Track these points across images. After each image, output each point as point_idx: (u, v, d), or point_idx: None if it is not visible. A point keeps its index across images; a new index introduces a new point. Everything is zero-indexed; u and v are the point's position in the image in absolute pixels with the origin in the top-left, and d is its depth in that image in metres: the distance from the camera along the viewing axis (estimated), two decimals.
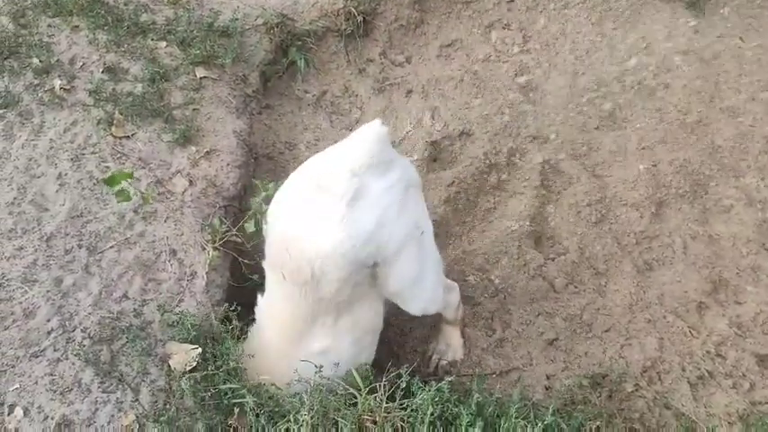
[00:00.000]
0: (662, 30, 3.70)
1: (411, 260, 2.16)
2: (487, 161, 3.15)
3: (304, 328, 2.12)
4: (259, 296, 2.25)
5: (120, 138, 2.78)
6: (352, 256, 1.99)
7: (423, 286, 2.27)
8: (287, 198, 2.12)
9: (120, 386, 2.14)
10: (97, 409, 2.10)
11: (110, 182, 2.22)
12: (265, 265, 2.19)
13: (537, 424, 2.10)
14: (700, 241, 3.04)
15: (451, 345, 2.67)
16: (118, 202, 2.24)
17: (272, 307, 2.19)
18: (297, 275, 2.01)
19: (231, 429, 2.10)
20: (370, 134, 2.03)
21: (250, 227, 2.48)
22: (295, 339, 2.14)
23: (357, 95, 3.46)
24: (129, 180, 2.23)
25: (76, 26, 3.11)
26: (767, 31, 3.79)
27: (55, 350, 2.20)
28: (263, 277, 2.26)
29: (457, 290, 2.59)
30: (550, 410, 2.22)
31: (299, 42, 3.44)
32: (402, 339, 2.78)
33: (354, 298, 2.12)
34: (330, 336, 2.15)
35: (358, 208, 1.98)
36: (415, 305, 2.31)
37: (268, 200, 2.27)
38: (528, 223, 3.00)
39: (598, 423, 2.29)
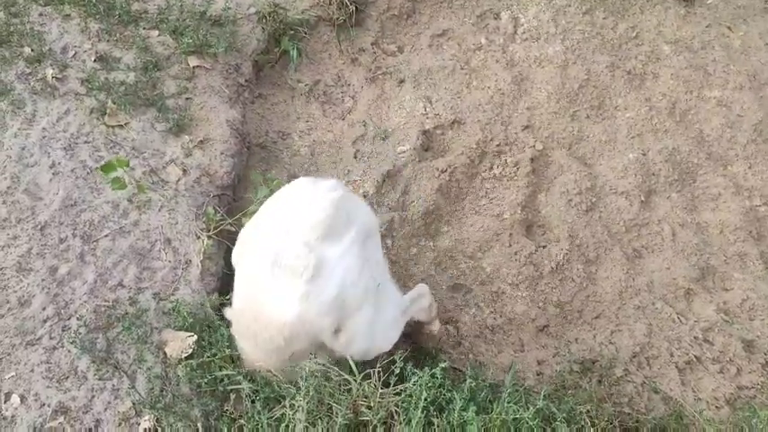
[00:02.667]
0: (651, 19, 3.73)
1: (367, 315, 2.12)
2: (479, 150, 3.17)
3: None
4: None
5: (114, 127, 2.78)
6: (317, 327, 1.98)
7: (375, 337, 2.21)
8: (247, 268, 2.08)
9: (117, 373, 2.16)
10: (94, 397, 2.11)
11: (106, 169, 2.22)
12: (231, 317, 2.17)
13: (529, 408, 2.13)
14: (688, 229, 3.08)
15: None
16: (113, 189, 2.24)
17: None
18: (268, 343, 2.01)
19: (227, 415, 2.12)
20: (324, 203, 2.01)
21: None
22: None
23: (350, 85, 3.47)
24: (125, 168, 2.23)
25: (68, 15, 3.10)
26: (755, 21, 3.83)
27: (51, 338, 2.21)
28: None
29: (427, 293, 2.53)
30: (542, 395, 2.25)
31: (292, 32, 3.44)
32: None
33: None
34: None
35: (317, 283, 1.95)
36: (365, 353, 2.22)
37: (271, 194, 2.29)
38: (519, 211, 3.02)
39: (588, 407, 2.32)
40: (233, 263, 2.19)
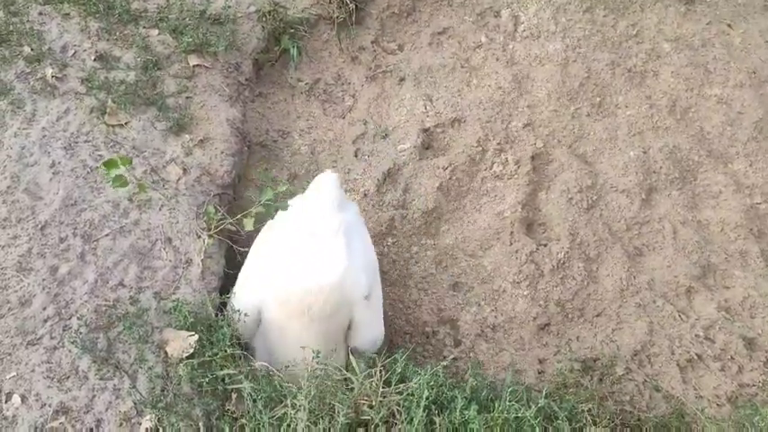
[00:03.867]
0: (652, 17, 3.72)
1: (379, 293, 2.39)
2: (480, 148, 3.17)
3: None
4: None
5: (114, 126, 2.78)
6: (357, 285, 2.22)
7: (381, 323, 2.41)
8: (283, 254, 2.26)
9: (118, 373, 2.15)
10: (95, 396, 2.11)
11: (108, 165, 2.21)
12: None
13: (530, 407, 2.13)
14: (689, 227, 3.08)
15: None
16: (114, 187, 2.24)
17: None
18: (323, 310, 2.18)
19: (229, 414, 2.12)
20: (330, 180, 2.32)
21: (249, 224, 2.44)
22: None
23: (350, 83, 3.46)
24: (128, 166, 2.23)
25: (67, 14, 3.09)
26: (755, 19, 3.83)
27: (51, 338, 2.21)
28: None
29: None
30: (543, 394, 2.25)
31: (292, 30, 3.43)
32: (406, 322, 2.80)
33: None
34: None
35: (350, 245, 2.22)
36: (373, 341, 2.38)
37: (278, 197, 2.38)
38: (520, 210, 3.02)
39: (590, 406, 2.32)
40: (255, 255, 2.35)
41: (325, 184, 2.31)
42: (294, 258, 2.21)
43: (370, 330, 2.35)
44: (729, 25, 3.77)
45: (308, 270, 2.17)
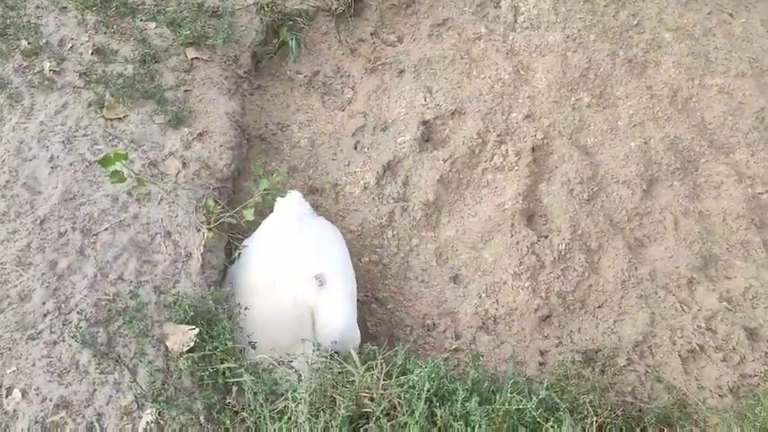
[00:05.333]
0: (653, 7, 3.70)
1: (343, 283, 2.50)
2: (480, 140, 3.15)
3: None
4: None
5: (112, 120, 2.77)
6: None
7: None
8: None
9: (118, 367, 2.15)
10: (95, 390, 2.11)
11: (104, 162, 2.20)
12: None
13: (531, 398, 2.13)
14: (690, 217, 3.07)
15: None
16: (112, 183, 2.23)
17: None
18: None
19: (229, 408, 2.12)
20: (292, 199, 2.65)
21: (249, 215, 2.49)
22: None
23: (349, 76, 3.45)
24: (124, 161, 2.22)
25: (64, 7, 3.08)
26: (756, 8, 3.81)
27: (51, 332, 2.21)
28: None
29: None
30: (545, 385, 2.25)
31: (290, 22, 3.41)
32: (406, 314, 2.80)
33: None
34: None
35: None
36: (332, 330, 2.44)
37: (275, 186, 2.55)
38: (520, 201, 3.01)
39: (591, 397, 2.32)
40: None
41: (287, 203, 2.62)
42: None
43: (328, 321, 2.35)
44: (731, 14, 3.76)
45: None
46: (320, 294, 2.37)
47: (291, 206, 2.61)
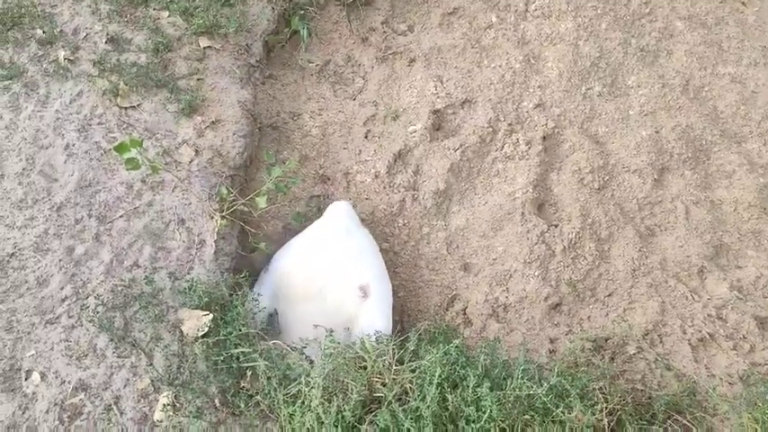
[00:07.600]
0: None
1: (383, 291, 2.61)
2: (490, 129, 3.16)
3: None
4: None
5: (126, 108, 2.79)
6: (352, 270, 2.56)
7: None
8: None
9: (135, 351, 2.19)
10: (113, 374, 2.14)
11: (120, 149, 2.23)
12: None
13: (542, 385, 2.15)
14: (701, 206, 3.07)
15: None
16: (127, 169, 2.26)
17: None
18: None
19: (244, 392, 2.15)
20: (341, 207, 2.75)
21: (261, 202, 2.53)
22: None
23: (360, 65, 3.45)
24: (139, 148, 2.25)
25: None
26: None
27: (69, 317, 2.25)
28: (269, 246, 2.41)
29: None
30: (555, 372, 2.26)
31: (302, 11, 3.42)
32: (417, 302, 2.82)
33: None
34: None
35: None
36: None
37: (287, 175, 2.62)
38: (531, 190, 3.02)
39: (601, 384, 2.33)
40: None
41: (337, 213, 2.72)
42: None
43: (368, 329, 2.41)
44: (743, 3, 3.73)
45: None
46: (362, 304, 2.48)
47: (341, 216, 2.70)
